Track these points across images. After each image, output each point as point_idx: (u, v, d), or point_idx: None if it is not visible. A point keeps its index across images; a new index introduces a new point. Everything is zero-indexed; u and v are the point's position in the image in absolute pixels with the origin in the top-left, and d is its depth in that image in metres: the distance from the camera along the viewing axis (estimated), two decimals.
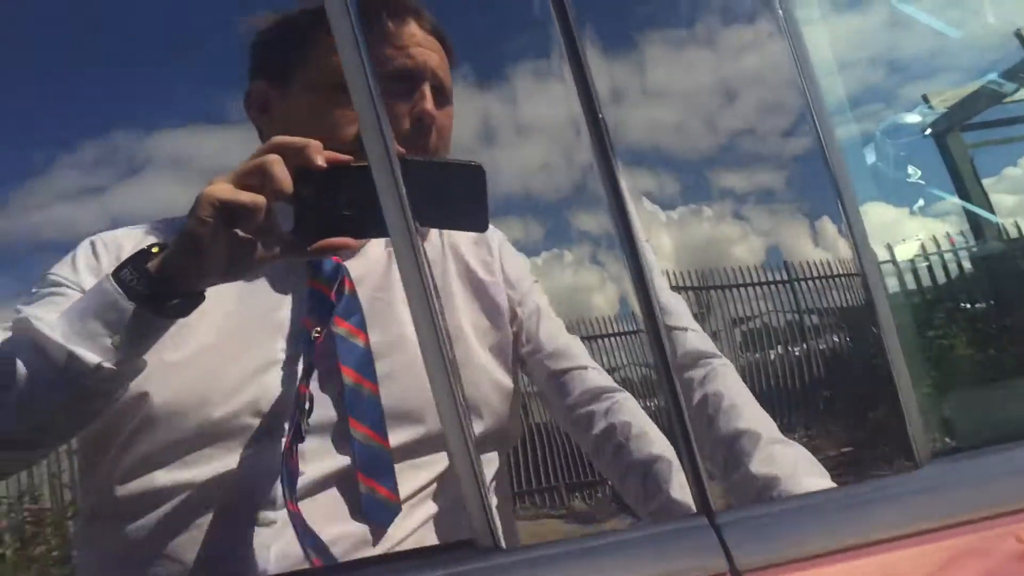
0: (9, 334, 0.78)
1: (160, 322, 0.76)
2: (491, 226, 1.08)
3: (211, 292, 0.86)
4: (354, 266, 0.95)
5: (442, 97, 0.97)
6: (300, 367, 0.85)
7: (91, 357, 0.72)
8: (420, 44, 0.94)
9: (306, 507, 0.84)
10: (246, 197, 0.71)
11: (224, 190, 0.71)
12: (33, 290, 0.89)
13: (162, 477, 0.84)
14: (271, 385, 0.86)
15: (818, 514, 0.68)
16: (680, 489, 0.85)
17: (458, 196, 0.72)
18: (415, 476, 0.90)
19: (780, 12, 0.80)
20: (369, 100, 0.53)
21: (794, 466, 0.84)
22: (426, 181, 0.69)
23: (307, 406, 0.83)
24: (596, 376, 1.00)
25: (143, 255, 0.75)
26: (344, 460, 0.85)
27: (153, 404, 0.83)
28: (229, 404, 0.84)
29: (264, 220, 0.73)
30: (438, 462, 0.92)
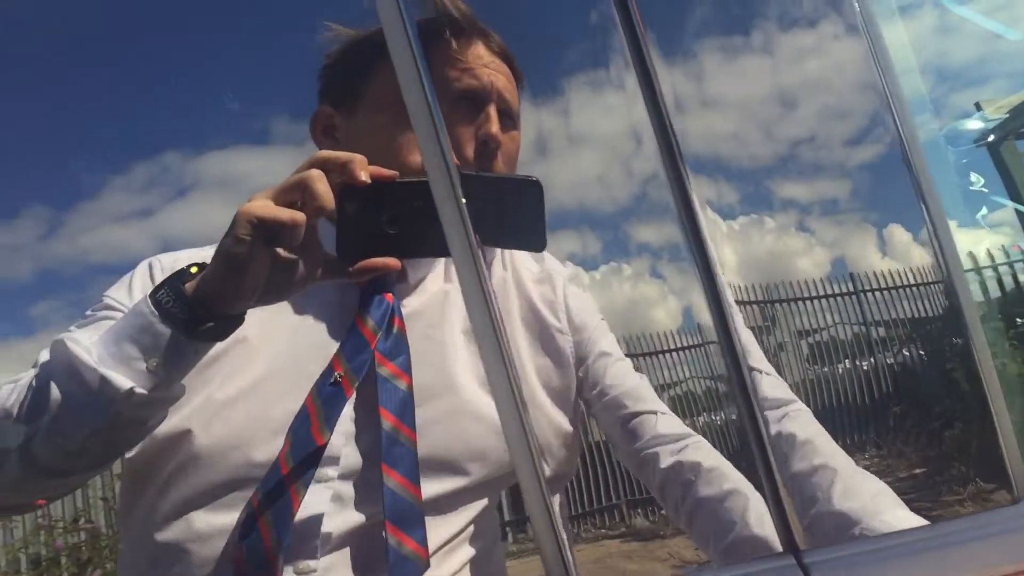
0: (47, 357, 0.76)
1: (196, 346, 0.73)
2: (558, 263, 1.05)
3: (264, 328, 0.86)
4: (410, 302, 0.93)
5: (508, 120, 0.93)
6: (319, 411, 0.82)
7: (123, 381, 0.70)
8: (487, 65, 0.92)
9: (334, 558, 0.81)
10: (285, 214, 0.68)
11: (262, 207, 0.69)
12: (88, 312, 0.88)
13: (200, 520, 0.80)
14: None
15: (911, 553, 0.63)
16: (757, 523, 0.81)
17: (514, 213, 0.69)
18: (449, 523, 0.86)
19: (858, 10, 0.76)
20: (428, 115, 0.51)
21: (874, 500, 0.79)
22: (480, 197, 0.67)
23: (321, 455, 0.81)
24: (668, 421, 0.95)
25: (181, 275, 0.73)
26: (374, 508, 0.82)
27: (196, 443, 0.81)
28: (271, 445, 0.82)
29: (304, 238, 0.69)
30: (471, 509, 0.87)
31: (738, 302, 0.96)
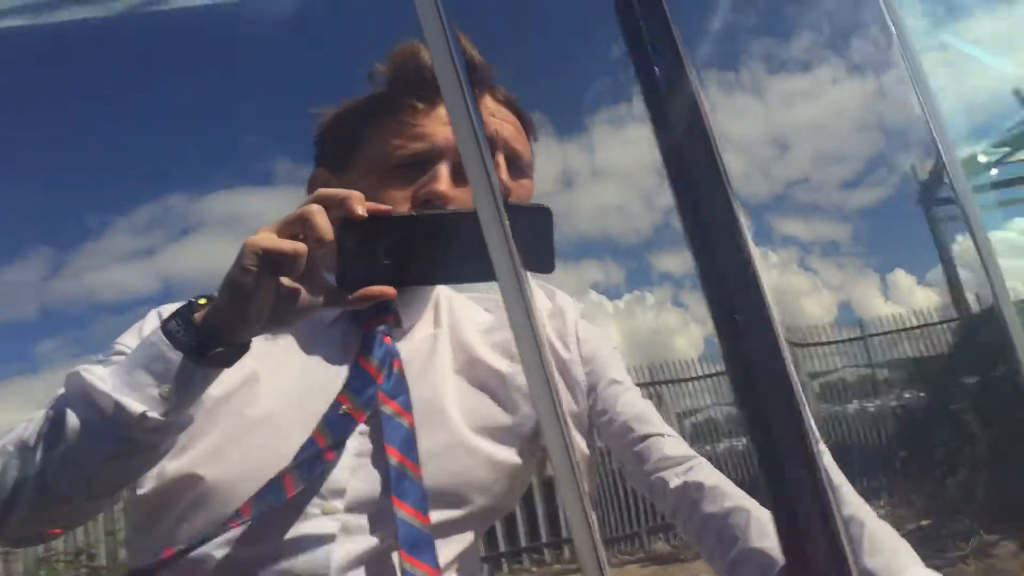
0: (63, 389, 0.79)
1: (205, 372, 0.77)
2: (568, 298, 1.08)
3: (272, 368, 0.90)
4: (404, 347, 0.98)
5: (517, 169, 0.98)
6: (326, 438, 0.88)
7: (136, 406, 0.73)
8: (493, 115, 0.97)
9: None
10: (288, 245, 0.73)
11: (267, 238, 0.73)
12: (100, 357, 0.91)
13: (214, 550, 0.85)
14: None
15: None
16: (758, 536, 0.85)
17: (525, 239, 0.73)
18: (446, 551, 0.90)
19: (899, 47, 0.78)
20: (476, 147, 0.54)
21: (896, 557, 0.82)
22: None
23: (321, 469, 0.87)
24: (674, 443, 1.00)
25: (190, 307, 0.77)
26: (382, 538, 0.86)
27: (208, 477, 0.85)
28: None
29: (307, 268, 0.74)
30: (468, 537, 0.94)
31: None
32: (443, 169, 0.94)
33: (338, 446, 0.87)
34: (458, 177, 0.95)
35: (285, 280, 0.75)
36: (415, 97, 0.95)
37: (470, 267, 0.74)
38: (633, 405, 1.01)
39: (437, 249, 0.74)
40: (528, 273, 0.78)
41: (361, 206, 0.74)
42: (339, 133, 1.01)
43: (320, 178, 1.01)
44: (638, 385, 1.05)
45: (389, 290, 0.76)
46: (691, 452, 0.98)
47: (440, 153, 0.94)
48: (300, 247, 0.73)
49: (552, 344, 1.02)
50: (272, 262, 0.73)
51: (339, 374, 0.93)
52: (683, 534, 0.97)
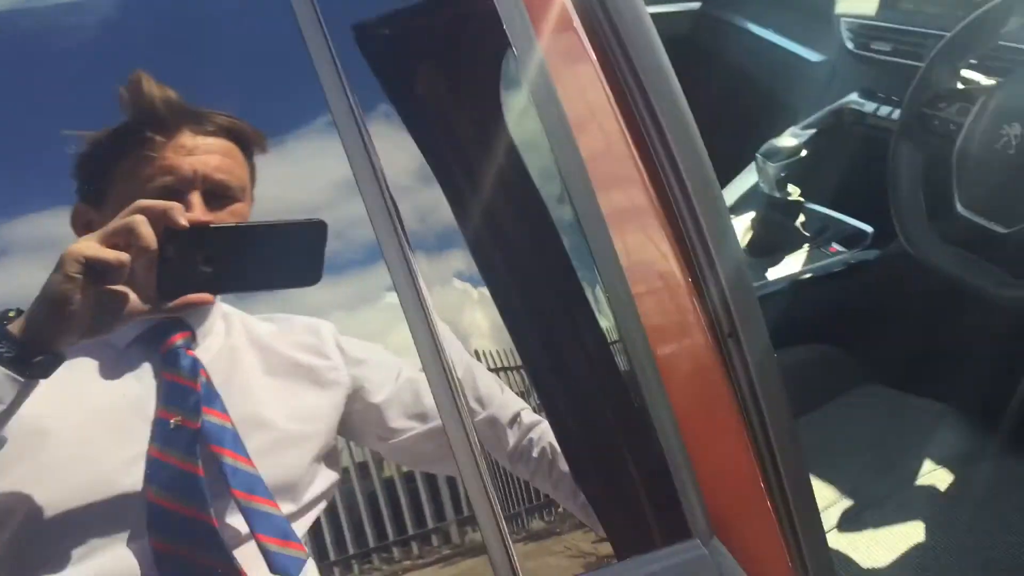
0: None
1: (24, 383, 0.77)
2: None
3: (69, 389, 0.88)
4: (202, 359, 0.96)
5: (223, 198, 0.95)
6: (172, 453, 0.89)
7: None
8: (190, 152, 0.96)
9: None
10: (111, 254, 0.75)
11: (90, 247, 0.75)
12: None
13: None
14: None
15: None
16: None
17: (291, 255, 0.80)
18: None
19: None
20: (363, 147, 0.55)
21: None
22: (258, 244, 0.80)
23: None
24: (527, 413, 1.05)
25: None
26: (238, 530, 0.87)
27: (28, 506, 0.82)
28: (109, 488, 0.85)
29: (129, 276, 0.76)
30: (307, 522, 0.95)
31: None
32: (195, 198, 0.93)
33: (192, 455, 0.88)
34: (210, 203, 0.94)
35: (107, 287, 0.76)
36: (150, 129, 0.94)
37: (287, 274, 0.82)
38: (492, 389, 1.06)
39: (255, 258, 0.80)
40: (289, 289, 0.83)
41: (182, 217, 0.77)
42: (92, 168, 0.97)
43: (81, 213, 0.98)
44: (510, 369, 1.09)
45: (208, 296, 0.81)
46: (538, 417, 1.05)
47: (188, 183, 0.93)
48: (124, 256, 0.75)
49: (309, 359, 1.02)
50: (94, 270, 0.74)
51: (148, 390, 0.92)
52: (541, 487, 1.04)
